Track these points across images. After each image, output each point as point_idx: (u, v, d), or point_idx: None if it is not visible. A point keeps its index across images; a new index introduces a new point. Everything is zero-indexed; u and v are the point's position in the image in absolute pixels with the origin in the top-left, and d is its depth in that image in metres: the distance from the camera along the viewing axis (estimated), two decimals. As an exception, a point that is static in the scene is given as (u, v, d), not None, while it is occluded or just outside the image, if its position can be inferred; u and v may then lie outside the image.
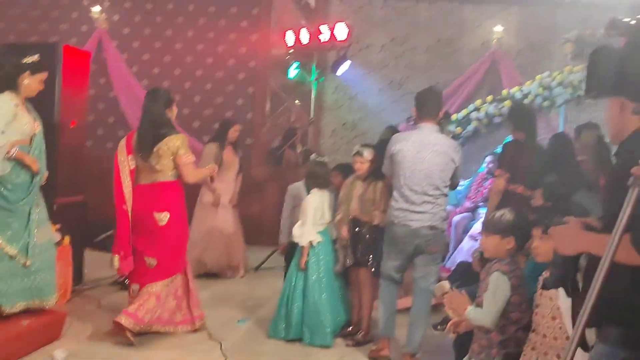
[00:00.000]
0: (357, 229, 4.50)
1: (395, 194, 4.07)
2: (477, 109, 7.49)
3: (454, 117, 7.61)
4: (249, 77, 8.35)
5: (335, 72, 7.31)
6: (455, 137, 7.46)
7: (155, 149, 4.28)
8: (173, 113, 4.55)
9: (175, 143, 4.28)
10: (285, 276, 4.76)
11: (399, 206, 4.02)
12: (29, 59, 4.00)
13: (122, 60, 8.31)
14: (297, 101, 8.66)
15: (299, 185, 5.19)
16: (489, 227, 2.99)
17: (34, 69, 4.03)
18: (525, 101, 7.17)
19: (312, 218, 4.49)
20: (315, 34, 7.22)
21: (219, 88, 8.38)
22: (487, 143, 7.31)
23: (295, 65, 7.62)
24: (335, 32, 6.99)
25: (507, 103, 7.27)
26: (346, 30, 6.92)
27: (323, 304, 4.46)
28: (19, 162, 3.93)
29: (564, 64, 7.88)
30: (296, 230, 4.52)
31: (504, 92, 7.44)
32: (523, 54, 8.12)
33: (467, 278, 4.11)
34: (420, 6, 8.22)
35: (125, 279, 5.63)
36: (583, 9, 7.93)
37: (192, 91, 8.40)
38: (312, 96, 7.63)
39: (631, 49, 1.95)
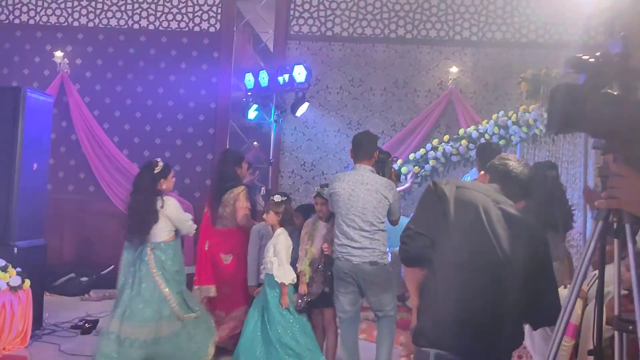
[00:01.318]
0: (319, 267, 4.87)
1: (336, 230, 4.59)
2: (434, 148, 8.02)
3: (411, 156, 8.14)
4: (209, 118, 8.84)
5: (295, 114, 7.75)
6: (414, 175, 7.99)
7: (222, 199, 5.52)
8: (243, 170, 5.80)
9: (236, 192, 5.49)
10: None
11: (340, 242, 4.53)
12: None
13: (84, 103, 8.74)
14: (255, 143, 9.12)
15: (263, 224, 5.45)
16: None
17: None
18: (482, 139, 7.71)
19: (287, 257, 4.88)
20: (274, 76, 7.67)
21: (179, 130, 8.86)
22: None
23: (254, 107, 8.07)
24: (294, 74, 7.44)
25: (464, 142, 7.82)
26: (305, 73, 7.38)
27: (301, 344, 4.78)
28: None
29: (519, 102, 8.47)
30: (277, 271, 4.83)
31: (461, 131, 7.98)
32: (479, 93, 8.71)
33: None
34: (378, 47, 8.80)
35: (85, 323, 6.00)
36: (538, 48, 8.60)
37: (153, 133, 8.87)
38: (272, 137, 8.06)
39: (590, 85, 2.02)
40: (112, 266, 8.52)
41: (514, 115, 7.54)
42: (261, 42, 9.14)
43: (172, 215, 5.04)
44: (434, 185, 2.53)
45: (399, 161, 7.94)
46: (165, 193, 5.15)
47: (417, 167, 8.07)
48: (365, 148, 4.66)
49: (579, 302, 3.47)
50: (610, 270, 3.95)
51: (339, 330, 4.96)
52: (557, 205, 5.02)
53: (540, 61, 8.45)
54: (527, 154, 7.72)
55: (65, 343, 5.71)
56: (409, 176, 7.64)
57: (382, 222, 4.57)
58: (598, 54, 2.09)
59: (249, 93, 8.06)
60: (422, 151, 8.11)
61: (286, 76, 7.57)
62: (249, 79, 8.01)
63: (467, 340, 2.30)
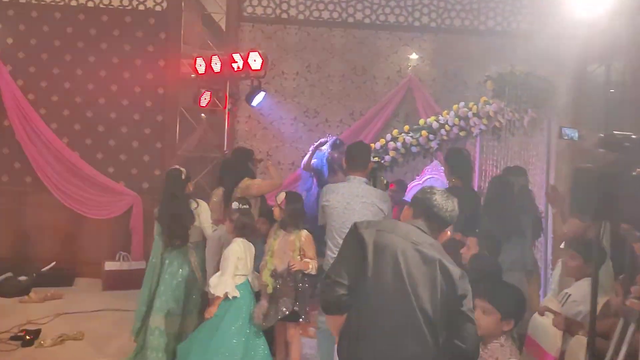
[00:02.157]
0: (290, 284, 4.64)
1: (329, 243, 4.48)
2: (394, 139, 7.82)
3: (371, 146, 7.92)
4: (157, 104, 8.40)
5: (250, 103, 7.43)
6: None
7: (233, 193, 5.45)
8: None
9: (245, 183, 5.48)
10: None
11: (333, 255, 4.34)
12: None
13: (17, 87, 8.14)
14: (202, 115, 8.65)
15: (222, 230, 5.21)
16: (495, 304, 3.02)
17: None
18: (442, 131, 7.57)
19: (233, 269, 4.60)
20: (227, 62, 7.31)
21: (124, 116, 8.39)
22: (404, 172, 7.69)
23: (206, 93, 7.71)
24: (249, 61, 7.10)
25: (424, 133, 7.65)
26: (260, 60, 7.06)
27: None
28: None
29: (478, 92, 8.39)
30: (213, 280, 4.62)
31: (421, 121, 7.78)
32: (438, 81, 8.60)
33: None
34: (335, 33, 8.53)
35: (26, 334, 5.58)
36: (496, 37, 8.52)
37: (95, 120, 8.38)
38: (225, 126, 7.71)
39: (622, 168, 1.91)
40: (54, 263, 8.08)
41: (475, 106, 7.43)
42: (212, 23, 8.68)
43: (203, 216, 5.24)
44: (355, 229, 2.64)
45: (372, 145, 7.70)
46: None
47: (377, 158, 7.87)
48: (359, 159, 4.59)
49: (558, 332, 3.36)
50: (582, 288, 3.92)
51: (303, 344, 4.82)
52: (525, 212, 4.92)
53: (499, 49, 8.45)
54: (487, 146, 7.66)
55: (4, 358, 5.28)
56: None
57: None
58: (634, 136, 1.98)
59: (201, 79, 7.71)
60: (381, 141, 7.91)
61: (240, 62, 7.24)
62: (200, 63, 7.66)
63: None
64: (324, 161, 6.96)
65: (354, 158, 4.60)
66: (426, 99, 8.39)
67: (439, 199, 2.72)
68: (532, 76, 6.58)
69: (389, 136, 7.93)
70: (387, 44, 8.60)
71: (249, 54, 7.15)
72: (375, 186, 4.81)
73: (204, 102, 7.83)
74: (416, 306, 2.43)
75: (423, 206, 2.72)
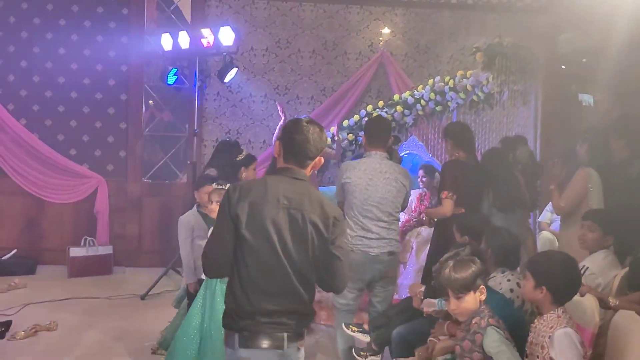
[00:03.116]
0: None
1: (349, 222, 4.37)
2: (368, 115, 7.75)
3: (345, 123, 7.86)
4: (121, 83, 8.13)
5: (223, 80, 7.23)
6: (346, 144, 7.72)
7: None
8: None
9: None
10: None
11: (356, 234, 4.34)
12: None
13: (-31, 66, 7.76)
14: (150, 102, 8.46)
15: (192, 214, 5.02)
16: (460, 289, 3.07)
17: None
18: (418, 106, 7.55)
19: None
20: (195, 38, 7.08)
21: (86, 96, 8.09)
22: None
23: (173, 70, 7.48)
24: (219, 36, 6.90)
25: (399, 108, 7.62)
26: (232, 35, 6.87)
27: None
28: None
29: (450, 66, 8.40)
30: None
31: (396, 96, 7.77)
32: (410, 56, 8.52)
33: (403, 314, 4.32)
34: (305, 7, 8.37)
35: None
36: (467, 9, 8.50)
37: (55, 100, 8.06)
38: (195, 104, 7.48)
39: None
40: (15, 250, 7.78)
41: (451, 80, 7.41)
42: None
43: None
44: (227, 193, 2.72)
45: (332, 128, 7.65)
46: None
47: (351, 135, 7.80)
48: (380, 134, 4.51)
49: (595, 305, 3.33)
50: (599, 260, 3.91)
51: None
52: (529, 183, 4.91)
53: (470, 22, 8.45)
54: (464, 120, 7.62)
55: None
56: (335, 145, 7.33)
57: (399, 212, 4.48)
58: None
59: (167, 56, 7.47)
60: (356, 118, 7.86)
61: (210, 38, 7.03)
62: (166, 40, 7.38)
63: (265, 328, 2.64)
64: None
65: (373, 133, 4.50)
66: (399, 74, 8.30)
67: (301, 133, 2.73)
68: (518, 47, 6.57)
69: (363, 112, 7.88)
70: (358, 19, 8.47)
71: (219, 29, 6.96)
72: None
73: (171, 80, 7.57)
74: (291, 271, 2.64)
75: (288, 145, 2.76)
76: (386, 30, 8.45)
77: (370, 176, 4.33)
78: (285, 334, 2.64)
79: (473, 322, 3.05)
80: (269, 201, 2.66)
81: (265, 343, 2.62)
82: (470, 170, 4.72)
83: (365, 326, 4.39)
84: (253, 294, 2.63)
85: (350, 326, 4.38)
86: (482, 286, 3.08)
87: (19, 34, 7.98)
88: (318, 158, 2.79)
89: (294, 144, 2.73)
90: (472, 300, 3.06)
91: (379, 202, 4.31)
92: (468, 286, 3.04)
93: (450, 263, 3.11)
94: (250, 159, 5.72)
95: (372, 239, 4.30)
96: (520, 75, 6.49)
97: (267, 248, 2.63)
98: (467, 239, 4.04)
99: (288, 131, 2.77)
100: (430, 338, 3.67)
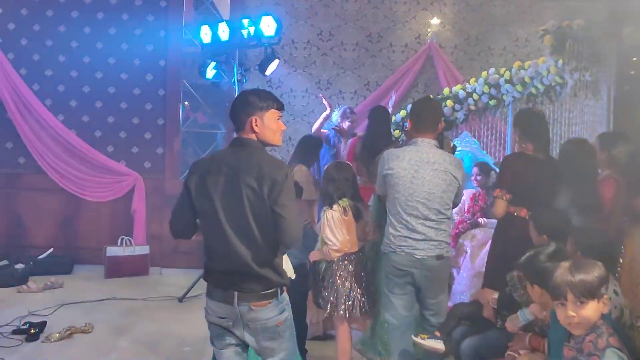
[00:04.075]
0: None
1: (391, 219, 3.94)
2: (415, 110, 7.42)
3: (392, 119, 7.53)
4: (159, 78, 7.98)
5: (264, 72, 7.00)
6: (397, 140, 7.39)
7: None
8: None
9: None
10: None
11: (399, 233, 3.88)
12: None
13: (7, 61, 7.69)
14: (186, 103, 8.30)
15: None
16: (584, 293, 2.53)
17: None
18: (470, 100, 7.17)
19: None
20: (236, 29, 6.87)
21: (123, 91, 7.96)
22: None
23: (212, 64, 7.23)
24: (261, 27, 6.67)
25: (450, 102, 7.25)
26: (275, 26, 6.63)
27: None
28: None
29: (503, 59, 8.02)
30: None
31: (446, 90, 7.39)
32: (460, 48, 8.17)
33: (473, 323, 3.99)
34: (348, -3, 8.09)
35: (30, 326, 5.19)
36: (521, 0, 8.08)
37: (93, 96, 7.95)
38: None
39: None
40: (51, 249, 7.70)
41: (507, 72, 7.01)
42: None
43: None
44: (187, 175, 3.03)
45: (393, 118, 7.31)
46: None
47: (397, 132, 7.48)
48: (428, 118, 3.94)
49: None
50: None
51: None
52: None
53: (524, 12, 8.07)
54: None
55: (8, 355, 4.86)
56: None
57: (449, 209, 3.94)
58: None
59: (206, 49, 7.25)
60: (402, 113, 7.51)
61: (251, 29, 6.81)
62: (206, 32, 7.18)
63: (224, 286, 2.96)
64: (332, 130, 6.63)
65: (421, 117, 3.95)
66: (448, 67, 7.96)
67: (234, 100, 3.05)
68: (591, 29, 6.06)
69: (410, 107, 7.53)
70: (405, 9, 8.15)
71: (260, 18, 6.74)
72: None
73: (210, 74, 7.32)
74: (233, 234, 2.87)
75: (234, 115, 3.00)
76: (434, 21, 8.11)
77: (417, 167, 3.82)
78: (235, 292, 2.91)
79: (587, 339, 2.54)
80: (212, 171, 2.91)
81: (218, 297, 2.95)
82: (538, 165, 4.17)
83: (437, 332, 3.93)
84: (209, 254, 2.99)
85: (420, 335, 3.92)
86: (605, 296, 2.56)
87: (57, 27, 7.89)
88: (250, 119, 2.92)
89: (230, 112, 3.01)
90: (594, 310, 2.52)
91: (426, 197, 3.80)
92: (593, 292, 2.52)
93: (566, 263, 2.61)
94: None
95: (418, 240, 3.80)
96: (594, 62, 5.97)
97: (211, 214, 2.88)
98: (547, 239, 3.63)
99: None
100: (508, 352, 3.34)
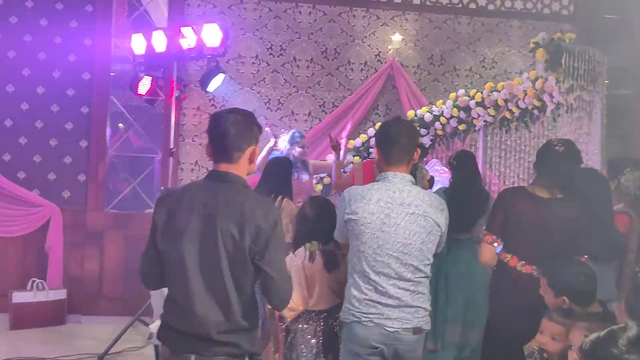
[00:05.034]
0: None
1: (356, 278, 3.04)
2: (377, 134, 6.67)
3: (350, 143, 6.77)
4: (82, 93, 6.97)
5: (206, 89, 6.15)
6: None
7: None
8: None
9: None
10: None
11: (366, 297, 2.99)
12: None
13: None
14: (120, 124, 7.37)
15: None
16: None
17: None
18: (437, 124, 6.50)
19: None
20: (173, 38, 5.98)
21: (39, 108, 6.89)
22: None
23: (146, 79, 6.33)
24: (203, 36, 5.83)
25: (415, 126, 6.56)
26: (219, 35, 5.81)
27: None
28: None
29: (469, 80, 7.47)
30: None
31: (410, 113, 6.72)
32: (423, 68, 7.53)
33: None
34: (302, 9, 7.32)
35: None
36: (488, 17, 7.65)
37: (1, 112, 6.82)
38: (172, 119, 6.34)
39: None
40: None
41: (478, 94, 6.38)
42: (149, -4, 7.35)
43: None
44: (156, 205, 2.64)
45: (351, 142, 6.63)
46: None
47: (357, 158, 6.70)
48: (402, 146, 3.06)
49: None
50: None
51: None
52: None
53: (491, 31, 7.62)
54: (493, 141, 6.65)
55: None
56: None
57: (429, 265, 3.07)
58: None
59: (139, 61, 6.29)
60: (362, 137, 6.79)
61: (192, 39, 5.94)
62: (138, 41, 6.21)
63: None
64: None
65: (393, 144, 3.06)
66: (410, 87, 7.30)
67: (218, 125, 2.58)
68: (584, 44, 5.51)
69: (371, 131, 6.79)
70: (364, 23, 7.45)
71: (202, 27, 5.89)
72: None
73: (142, 90, 6.37)
74: (199, 290, 2.46)
75: (210, 142, 2.64)
76: (396, 38, 7.44)
77: (387, 211, 2.99)
78: (192, 356, 2.49)
79: None
80: (184, 207, 2.50)
81: None
82: (546, 204, 3.35)
83: None
84: (168, 307, 2.58)
85: None
86: None
87: (-39, 33, 6.79)
88: (252, 148, 2.56)
89: (213, 138, 2.58)
90: None
91: (400, 250, 2.98)
92: None
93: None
94: None
95: (390, 306, 2.98)
96: (589, 81, 5.37)
97: (177, 261, 2.48)
98: (567, 301, 2.90)
99: (208, 128, 2.61)
100: None
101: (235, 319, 2.46)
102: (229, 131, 2.51)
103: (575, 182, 3.39)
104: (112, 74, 7.17)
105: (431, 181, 4.95)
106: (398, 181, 3.03)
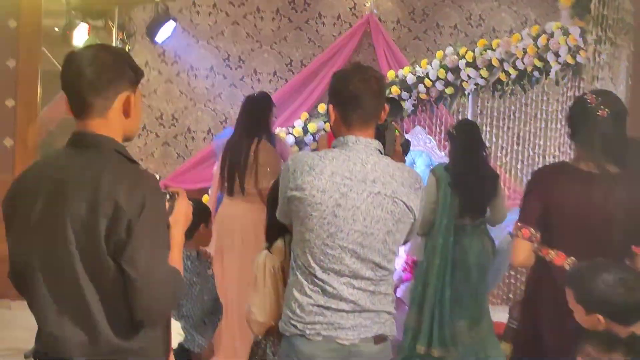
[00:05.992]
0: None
1: (298, 275, 2.30)
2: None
3: (321, 108, 6.06)
4: (8, 44, 6.13)
5: (154, 39, 5.40)
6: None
7: None
8: None
9: None
10: None
11: (311, 302, 2.26)
12: None
13: None
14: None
15: None
16: None
17: None
18: (421, 87, 5.81)
19: None
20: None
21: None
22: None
23: (82, 26, 5.77)
24: (149, -25, 5.06)
25: (395, 89, 5.90)
26: (169, -26, 5.03)
27: None
28: None
29: (454, 39, 6.81)
30: None
31: (391, 74, 6.05)
32: (403, 24, 6.85)
33: None
34: (268, -48, 6.56)
35: None
36: None
37: None
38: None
39: None
40: None
41: (469, 53, 5.68)
42: None
43: None
44: None
45: (304, 115, 5.91)
46: None
47: (328, 124, 5.99)
48: (366, 105, 2.30)
49: None
50: None
51: None
52: None
53: None
54: (484, 107, 5.99)
55: None
56: None
57: (393, 259, 2.36)
58: None
59: (73, 6, 5.78)
60: (321, 108, 6.10)
61: (137, -21, 5.18)
62: (73, -19, 5.56)
63: None
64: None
65: (351, 98, 2.31)
66: (389, 46, 6.62)
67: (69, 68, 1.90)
68: None
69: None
70: (337, -29, 6.72)
71: None
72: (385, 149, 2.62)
73: (78, 40, 5.76)
74: (59, 309, 1.84)
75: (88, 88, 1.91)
76: (374, -12, 6.72)
77: (345, 189, 2.25)
78: None
79: None
80: (29, 189, 1.87)
81: None
82: (599, 187, 2.61)
83: None
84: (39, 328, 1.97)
85: None
86: None
87: None
88: (124, 95, 1.87)
89: (64, 84, 1.87)
90: None
91: (358, 242, 2.28)
92: None
93: None
94: None
95: (342, 311, 2.28)
96: (617, 33, 4.69)
97: (21, 263, 1.87)
98: (602, 321, 2.18)
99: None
100: None
101: (104, 338, 1.82)
102: (84, 72, 1.84)
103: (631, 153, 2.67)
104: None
105: (405, 145, 4.17)
106: (361, 149, 2.27)
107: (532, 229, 2.64)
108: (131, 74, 1.92)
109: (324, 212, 2.22)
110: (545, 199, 2.64)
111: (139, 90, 1.97)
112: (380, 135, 2.43)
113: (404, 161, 2.98)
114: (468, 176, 4.10)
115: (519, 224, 2.68)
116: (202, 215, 3.16)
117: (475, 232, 4.27)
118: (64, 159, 1.88)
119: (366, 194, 2.22)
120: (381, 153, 2.33)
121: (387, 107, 2.40)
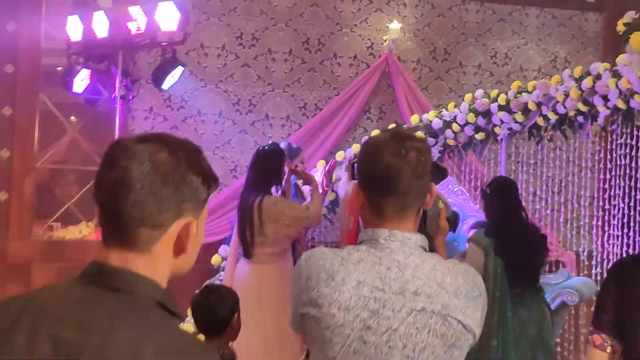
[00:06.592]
0: None
1: None
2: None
3: (339, 155, 5.67)
4: (4, 91, 5.83)
5: (160, 86, 5.06)
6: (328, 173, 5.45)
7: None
8: None
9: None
10: None
11: None
12: None
13: None
14: (72, 117, 6.29)
15: None
16: None
17: None
18: (448, 132, 5.40)
19: None
20: (119, 21, 4.95)
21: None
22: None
23: (84, 72, 5.41)
24: (157, 18, 4.76)
25: (420, 134, 5.45)
26: (177, 16, 4.73)
27: None
28: None
29: (478, 78, 6.48)
30: None
31: (414, 118, 5.65)
32: (424, 63, 6.51)
33: None
34: (280, -10, 6.24)
35: None
36: (500, 3, 6.83)
37: None
38: (116, 122, 5.24)
39: None
40: None
41: (502, 96, 5.29)
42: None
43: None
44: None
45: (320, 163, 5.60)
46: None
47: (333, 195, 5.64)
48: (404, 189, 1.72)
49: None
50: None
51: None
52: None
53: (504, 20, 6.83)
54: (517, 153, 5.61)
55: None
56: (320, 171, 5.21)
57: None
58: None
59: (75, 50, 5.37)
60: (355, 147, 5.68)
61: (142, 21, 4.91)
62: (75, 25, 5.28)
63: None
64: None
65: (385, 179, 1.72)
66: (410, 87, 6.25)
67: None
68: None
69: (366, 138, 5.65)
70: (353, 8, 6.37)
71: (157, 6, 4.89)
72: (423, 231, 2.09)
73: (79, 87, 5.45)
74: None
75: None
76: (392, 27, 6.33)
77: (376, 305, 1.68)
78: None
79: None
80: (17, 344, 1.20)
81: None
82: None
83: None
84: None
85: None
86: None
87: None
88: (184, 222, 1.28)
89: (99, 195, 1.28)
90: None
91: None
92: None
93: None
94: None
95: None
96: None
97: None
98: None
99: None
100: None
101: None
102: (132, 185, 1.25)
103: None
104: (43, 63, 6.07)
105: (453, 219, 3.75)
106: (397, 248, 1.71)
107: (604, 335, 2.22)
108: (199, 185, 1.31)
109: (349, 337, 1.67)
110: (622, 299, 2.22)
111: (206, 211, 1.37)
112: (421, 220, 1.96)
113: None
114: (516, 242, 3.68)
115: (592, 329, 2.25)
116: (236, 306, 2.94)
117: (534, 303, 3.86)
118: (76, 306, 1.23)
119: (406, 312, 1.66)
120: (425, 250, 1.76)
121: (434, 188, 1.92)
